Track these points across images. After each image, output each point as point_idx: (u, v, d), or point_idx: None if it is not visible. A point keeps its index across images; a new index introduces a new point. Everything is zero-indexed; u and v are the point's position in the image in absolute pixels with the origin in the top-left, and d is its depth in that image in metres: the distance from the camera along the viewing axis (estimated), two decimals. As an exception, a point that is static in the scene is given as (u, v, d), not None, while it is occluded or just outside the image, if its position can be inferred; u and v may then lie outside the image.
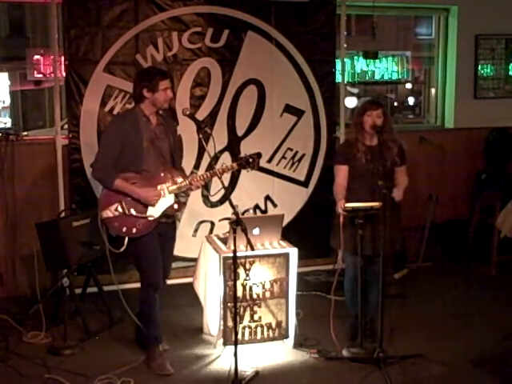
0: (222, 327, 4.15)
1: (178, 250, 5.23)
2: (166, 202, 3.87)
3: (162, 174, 3.87)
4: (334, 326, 4.10)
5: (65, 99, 5.08)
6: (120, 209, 3.78)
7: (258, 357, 4.11)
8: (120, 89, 5.04)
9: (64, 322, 4.32)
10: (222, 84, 5.34)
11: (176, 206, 3.94)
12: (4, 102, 14.78)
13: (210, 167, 4.64)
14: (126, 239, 3.79)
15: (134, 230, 3.79)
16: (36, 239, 4.57)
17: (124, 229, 3.78)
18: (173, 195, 3.89)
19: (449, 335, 4.46)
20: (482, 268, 5.99)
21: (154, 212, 3.83)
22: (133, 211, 3.79)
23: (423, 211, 6.07)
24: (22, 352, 4.15)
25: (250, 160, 3.94)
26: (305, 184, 5.68)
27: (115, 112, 5.00)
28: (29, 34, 16.90)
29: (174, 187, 3.88)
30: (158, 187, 3.84)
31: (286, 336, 4.29)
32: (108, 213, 3.77)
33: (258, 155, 4.01)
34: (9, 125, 12.74)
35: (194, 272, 4.59)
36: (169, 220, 3.99)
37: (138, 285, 4.08)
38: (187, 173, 5.08)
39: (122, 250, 3.78)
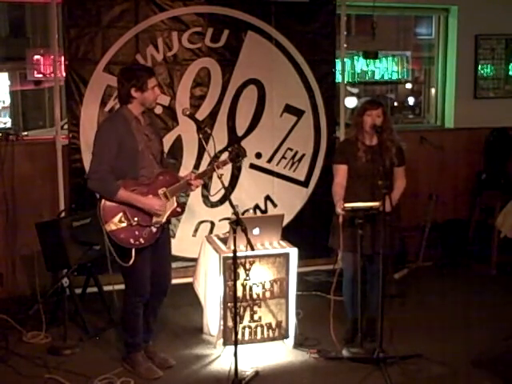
0: (222, 327, 4.15)
1: (177, 250, 5.26)
2: (169, 206, 3.75)
3: (161, 178, 3.73)
4: (333, 326, 4.11)
5: (65, 99, 5.08)
6: (124, 219, 3.60)
7: (258, 357, 4.11)
8: (120, 89, 5.04)
9: (64, 322, 4.32)
10: (222, 84, 5.34)
11: (179, 210, 3.83)
12: (4, 102, 14.79)
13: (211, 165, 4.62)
14: (133, 251, 3.61)
15: (142, 240, 3.64)
16: (36, 239, 4.57)
17: (131, 240, 3.60)
18: (174, 198, 3.78)
19: (449, 335, 4.46)
20: (482, 268, 5.99)
21: (159, 218, 3.71)
22: (138, 220, 3.63)
23: (423, 211, 6.07)
24: (22, 352, 4.15)
25: (239, 152, 3.85)
26: (305, 184, 5.68)
27: (115, 112, 5.01)
28: (29, 34, 16.91)
29: (175, 190, 3.76)
30: (160, 192, 3.71)
31: (286, 336, 4.29)
32: (112, 226, 3.57)
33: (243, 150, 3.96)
34: (9, 125, 12.75)
35: (194, 272, 4.59)
36: (165, 226, 3.83)
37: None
38: (187, 173, 5.12)
39: (130, 263, 3.60)
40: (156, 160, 3.78)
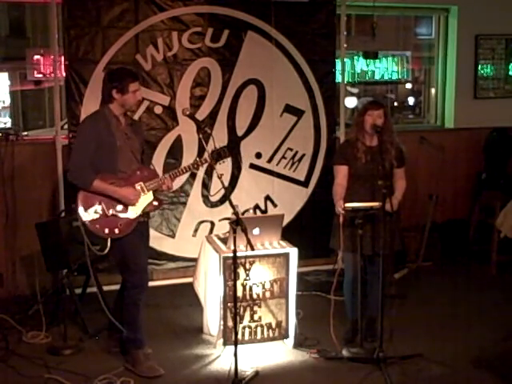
0: (221, 327, 4.15)
1: (177, 250, 5.29)
2: (145, 199, 3.85)
3: (139, 173, 3.86)
4: (333, 326, 4.11)
5: (65, 99, 5.08)
6: (100, 210, 3.74)
7: (258, 357, 4.11)
8: (120, 89, 5.04)
9: (64, 322, 4.32)
10: (222, 84, 5.35)
11: (156, 203, 3.92)
12: (4, 102, 14.77)
13: (210, 167, 4.63)
14: (109, 241, 3.75)
15: (117, 231, 3.75)
16: (36, 239, 4.57)
17: (106, 230, 3.73)
18: (151, 192, 3.87)
19: (449, 335, 4.46)
20: (482, 268, 5.99)
21: (134, 210, 3.81)
22: (113, 211, 3.76)
23: (423, 211, 6.07)
24: (22, 352, 4.15)
25: (222, 153, 3.93)
26: (305, 184, 5.68)
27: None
28: (29, 34, 16.89)
29: (154, 185, 3.86)
30: (137, 185, 3.82)
31: (286, 336, 4.29)
32: (87, 215, 3.72)
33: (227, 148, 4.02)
34: (9, 125, 12.73)
35: (194, 272, 4.59)
36: (145, 218, 3.97)
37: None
38: (187, 172, 5.13)
39: (105, 251, 3.75)
40: (136, 158, 3.91)
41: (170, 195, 5.17)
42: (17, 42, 15.89)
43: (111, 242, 3.76)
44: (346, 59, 5.97)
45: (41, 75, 6.21)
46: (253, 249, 3.61)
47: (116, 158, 3.78)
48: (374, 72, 6.90)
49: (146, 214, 3.94)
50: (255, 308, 4.21)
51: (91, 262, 4.60)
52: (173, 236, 5.31)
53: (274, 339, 4.28)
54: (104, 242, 3.77)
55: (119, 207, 3.78)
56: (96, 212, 3.73)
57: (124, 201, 3.77)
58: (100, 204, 3.74)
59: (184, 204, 5.33)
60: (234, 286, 3.73)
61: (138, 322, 3.92)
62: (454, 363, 4.03)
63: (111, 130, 3.78)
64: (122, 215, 3.78)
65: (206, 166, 5.09)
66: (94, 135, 3.73)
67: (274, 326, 4.26)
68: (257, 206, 5.55)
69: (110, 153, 3.76)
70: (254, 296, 4.19)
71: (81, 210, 3.73)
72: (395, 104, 20.10)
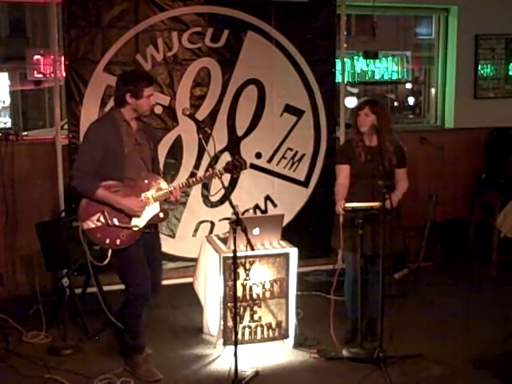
0: (221, 327, 4.15)
1: (177, 250, 5.28)
2: (151, 210, 3.72)
3: (146, 181, 3.72)
4: (333, 326, 4.11)
5: (65, 99, 5.07)
6: (102, 219, 3.61)
7: (258, 357, 4.11)
8: (120, 89, 5.03)
9: (64, 322, 4.32)
10: (222, 84, 5.34)
11: (162, 215, 3.79)
12: (4, 102, 14.80)
13: (210, 167, 4.63)
14: (110, 251, 3.64)
15: (118, 242, 3.63)
16: (36, 239, 4.57)
17: (107, 240, 3.62)
18: (158, 203, 3.75)
19: (449, 335, 4.46)
20: (482, 268, 5.99)
21: (138, 222, 3.69)
22: (116, 221, 3.63)
23: (423, 211, 6.07)
24: (22, 352, 4.15)
25: (237, 164, 3.82)
26: (305, 184, 5.68)
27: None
28: (29, 34, 16.91)
29: (160, 194, 3.74)
30: (142, 195, 3.69)
31: (286, 336, 4.29)
32: (89, 224, 3.61)
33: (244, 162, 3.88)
34: (9, 125, 12.77)
35: (194, 272, 4.59)
36: (152, 230, 3.83)
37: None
38: (187, 172, 5.14)
39: (105, 262, 3.65)
40: (146, 165, 3.78)
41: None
42: (17, 41, 15.91)
43: (113, 252, 3.66)
44: (346, 59, 5.97)
45: (41, 75, 6.21)
46: (253, 249, 3.60)
47: (123, 164, 3.65)
48: (373, 72, 6.91)
49: (152, 225, 3.81)
50: (255, 308, 4.21)
51: (92, 263, 4.62)
52: (173, 236, 5.31)
53: (274, 339, 4.28)
54: (103, 252, 3.69)
55: (123, 217, 3.64)
56: (98, 220, 3.62)
57: (127, 211, 3.63)
58: (103, 213, 3.61)
59: (184, 204, 5.32)
60: (234, 286, 3.73)
61: (139, 330, 3.88)
62: (454, 363, 4.02)
63: (120, 135, 3.65)
64: (125, 226, 3.65)
65: (206, 165, 5.20)
66: (101, 141, 3.60)
67: (274, 325, 4.26)
68: (257, 206, 5.55)
69: (116, 160, 3.63)
70: (254, 296, 4.19)
71: (82, 217, 3.63)
72: (395, 104, 20.12)
